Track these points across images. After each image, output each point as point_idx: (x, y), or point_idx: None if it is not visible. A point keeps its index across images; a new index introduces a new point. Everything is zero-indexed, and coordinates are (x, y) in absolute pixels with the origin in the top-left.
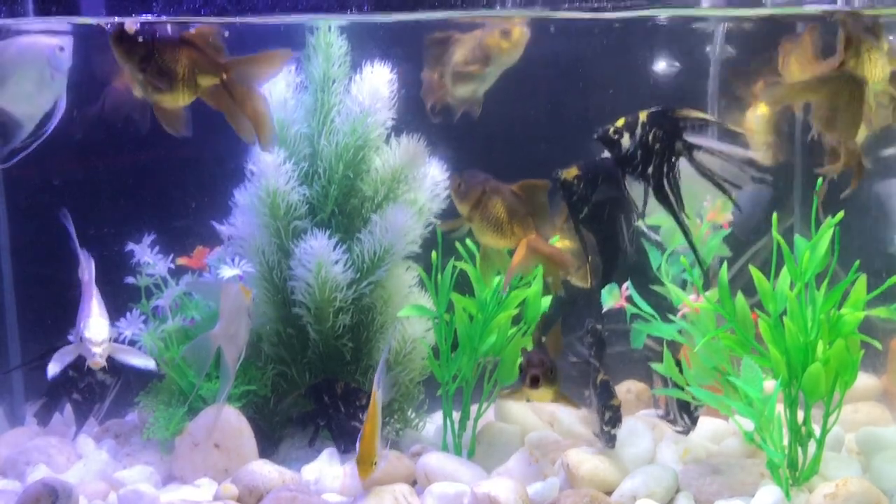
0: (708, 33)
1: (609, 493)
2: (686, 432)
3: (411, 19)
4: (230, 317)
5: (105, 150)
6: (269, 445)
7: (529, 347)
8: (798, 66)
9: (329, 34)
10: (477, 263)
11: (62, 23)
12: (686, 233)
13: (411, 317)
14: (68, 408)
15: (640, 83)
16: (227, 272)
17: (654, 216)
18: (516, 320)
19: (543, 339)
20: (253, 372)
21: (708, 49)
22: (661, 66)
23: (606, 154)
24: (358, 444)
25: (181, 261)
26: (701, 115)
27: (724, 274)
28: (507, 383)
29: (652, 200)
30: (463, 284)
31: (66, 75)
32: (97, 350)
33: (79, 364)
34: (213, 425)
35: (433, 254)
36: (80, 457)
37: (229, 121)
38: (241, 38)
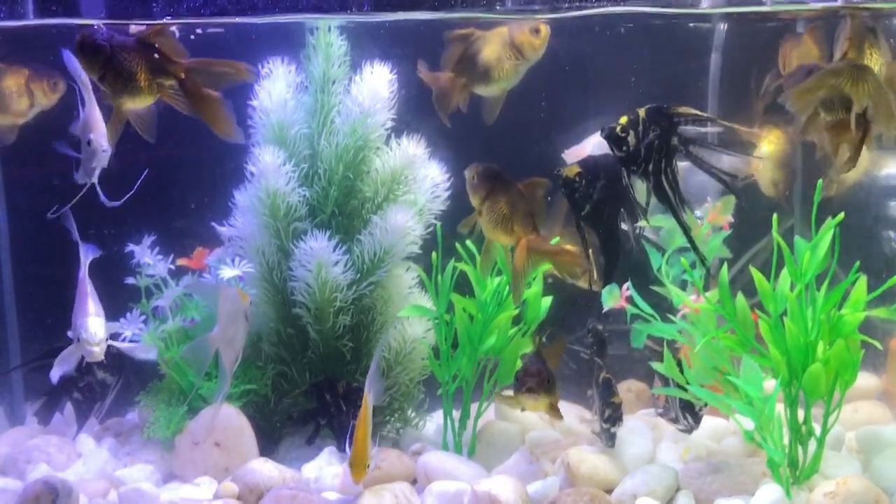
0: (708, 33)
1: (609, 492)
2: (689, 431)
3: (411, 19)
4: (228, 320)
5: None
6: (269, 444)
7: (531, 348)
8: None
9: (329, 34)
10: (477, 264)
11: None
12: (686, 231)
13: (411, 317)
14: (69, 407)
15: (640, 83)
16: (228, 273)
17: (655, 217)
18: (516, 321)
19: (544, 338)
20: (253, 372)
21: (711, 55)
22: (661, 66)
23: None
24: (349, 447)
25: (181, 262)
26: (695, 112)
27: (725, 274)
28: (506, 383)
29: (652, 200)
30: (463, 285)
31: None
32: (95, 349)
33: (79, 363)
34: (210, 428)
35: (433, 254)
36: (81, 455)
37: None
38: (241, 37)
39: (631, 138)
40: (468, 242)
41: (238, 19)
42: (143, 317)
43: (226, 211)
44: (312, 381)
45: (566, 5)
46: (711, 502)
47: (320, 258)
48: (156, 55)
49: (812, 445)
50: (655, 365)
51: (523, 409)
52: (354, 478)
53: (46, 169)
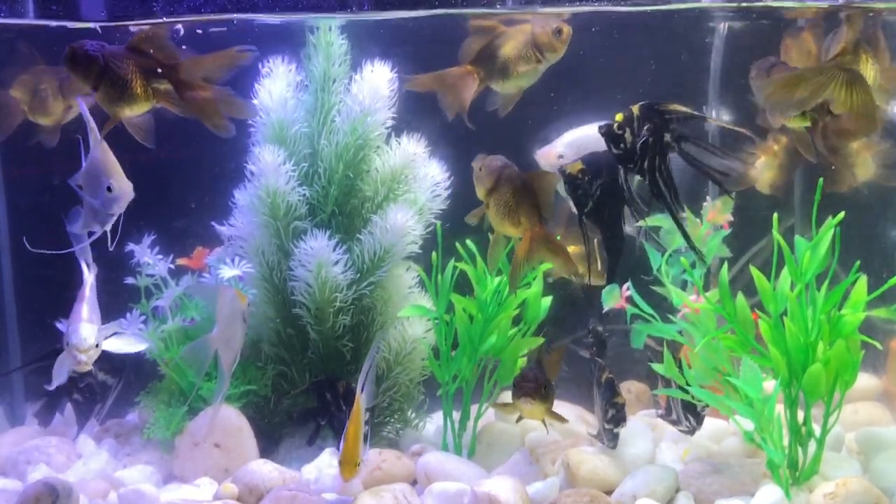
0: (710, 30)
1: (609, 493)
2: (692, 432)
3: (411, 18)
4: (227, 321)
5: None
6: (269, 445)
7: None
8: (799, 60)
9: (329, 33)
10: (477, 264)
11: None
12: (682, 228)
13: (411, 317)
14: (69, 408)
15: (641, 81)
16: (227, 273)
17: (655, 217)
18: (516, 321)
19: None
20: (253, 372)
21: (712, 52)
22: (662, 62)
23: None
24: (341, 445)
25: (181, 261)
26: (686, 109)
27: (725, 274)
28: (506, 384)
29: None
30: (463, 285)
31: None
32: (83, 356)
33: None
34: (208, 430)
35: (433, 254)
36: (81, 456)
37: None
38: (241, 37)
39: (628, 136)
40: (468, 242)
41: (237, 16)
42: (143, 317)
43: (226, 210)
44: (313, 381)
45: (566, 3)
46: (711, 503)
47: (320, 258)
48: (148, 60)
49: (812, 446)
50: (655, 366)
51: (518, 420)
52: (343, 475)
53: (46, 169)
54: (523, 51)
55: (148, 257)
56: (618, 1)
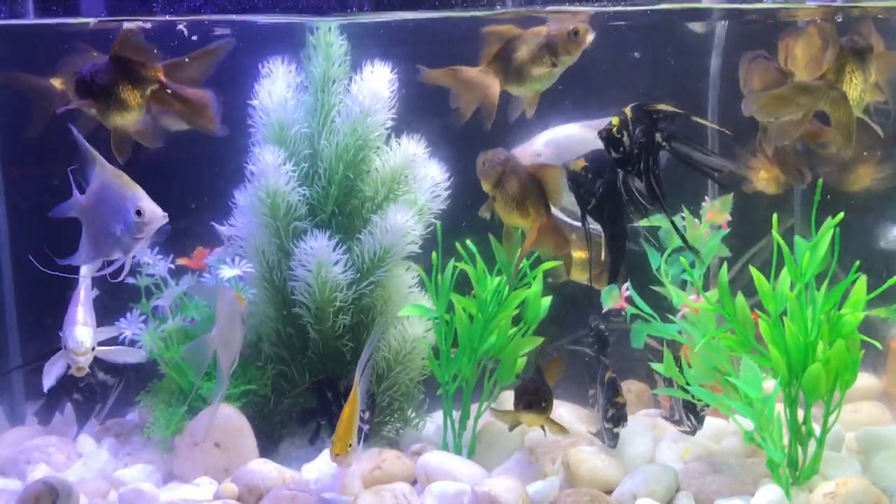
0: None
1: (609, 493)
2: (693, 432)
3: (411, 19)
4: (226, 321)
5: (105, 150)
6: (269, 444)
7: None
8: (803, 56)
9: (329, 34)
10: (477, 264)
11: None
12: (674, 224)
13: (411, 317)
14: (69, 407)
15: (639, 82)
16: (227, 272)
17: (654, 217)
18: (516, 321)
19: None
20: (253, 372)
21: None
22: (660, 63)
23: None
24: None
25: (181, 261)
26: (671, 108)
27: (724, 274)
28: (506, 384)
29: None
30: (463, 285)
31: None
32: (79, 358)
33: None
34: (207, 430)
35: (433, 254)
36: (81, 456)
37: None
38: (241, 37)
39: (625, 139)
40: (468, 242)
41: (237, 16)
42: (143, 317)
43: (226, 210)
44: (313, 380)
45: (567, 3)
46: (711, 502)
47: (320, 258)
48: (131, 67)
49: (812, 446)
50: (655, 365)
51: (512, 428)
52: (334, 450)
53: (46, 169)
54: (539, 54)
55: (148, 257)
56: (618, 1)
